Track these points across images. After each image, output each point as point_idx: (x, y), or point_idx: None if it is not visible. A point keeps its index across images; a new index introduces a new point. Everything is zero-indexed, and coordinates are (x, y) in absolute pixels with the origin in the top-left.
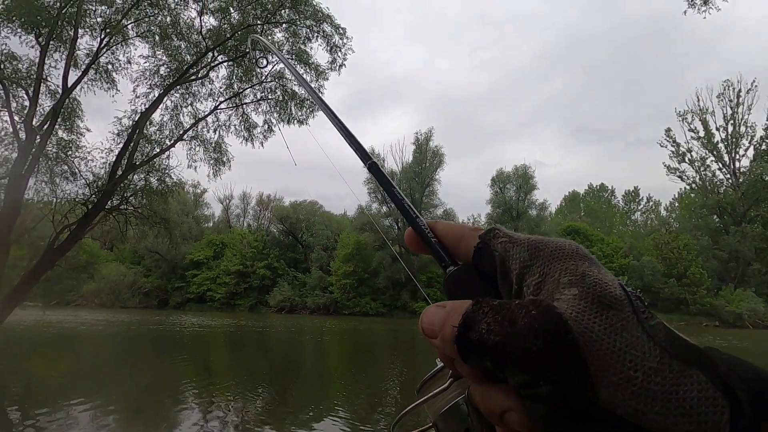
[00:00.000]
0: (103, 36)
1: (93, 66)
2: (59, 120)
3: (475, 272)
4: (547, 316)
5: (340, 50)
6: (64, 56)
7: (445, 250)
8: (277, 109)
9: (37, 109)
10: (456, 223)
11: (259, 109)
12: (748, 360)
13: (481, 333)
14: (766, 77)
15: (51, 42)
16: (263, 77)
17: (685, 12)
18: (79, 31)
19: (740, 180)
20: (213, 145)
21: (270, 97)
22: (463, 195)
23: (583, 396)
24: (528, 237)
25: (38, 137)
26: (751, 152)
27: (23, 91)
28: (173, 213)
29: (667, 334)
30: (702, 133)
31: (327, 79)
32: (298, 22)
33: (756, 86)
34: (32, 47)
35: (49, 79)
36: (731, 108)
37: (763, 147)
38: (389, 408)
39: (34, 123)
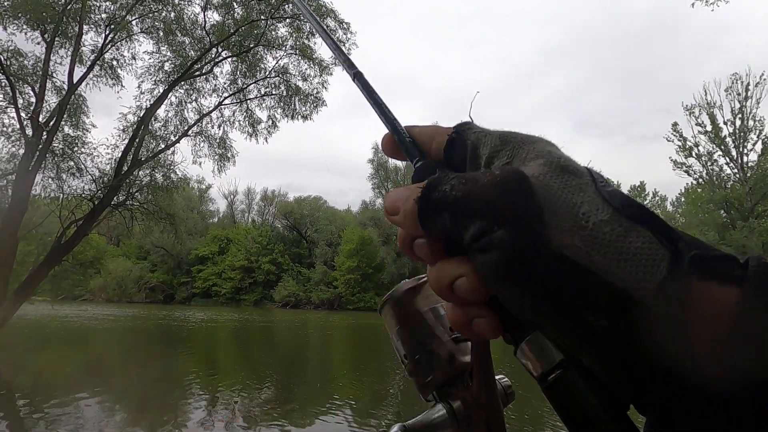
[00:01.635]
0: (107, 32)
1: (98, 62)
2: (65, 116)
3: (444, 165)
4: (509, 173)
5: (345, 45)
6: (69, 52)
7: (419, 149)
8: (282, 104)
9: (43, 105)
10: (434, 125)
11: (263, 105)
12: None
13: (444, 191)
14: None
15: (56, 38)
16: (268, 73)
17: (693, 4)
18: (84, 27)
19: (748, 174)
20: (217, 140)
21: (274, 92)
22: None
23: (534, 237)
24: (501, 130)
25: (45, 133)
26: (759, 146)
27: (29, 88)
28: (178, 208)
29: (622, 198)
30: (709, 128)
31: (331, 74)
32: (302, 17)
33: (765, 79)
34: (38, 44)
35: (54, 75)
36: (739, 102)
37: None
38: (393, 401)
39: (40, 119)
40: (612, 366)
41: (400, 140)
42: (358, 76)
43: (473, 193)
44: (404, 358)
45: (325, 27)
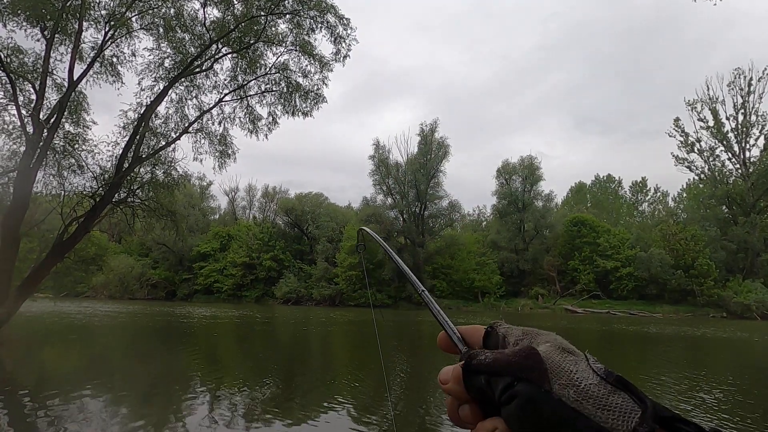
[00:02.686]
0: (107, 29)
1: (98, 59)
2: (66, 113)
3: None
4: (525, 347)
5: (345, 41)
6: (69, 49)
7: (465, 342)
8: (282, 101)
9: (44, 102)
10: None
11: (264, 101)
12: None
13: (480, 360)
14: None
15: (56, 35)
16: (268, 69)
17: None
18: (84, 23)
19: (750, 170)
20: (218, 137)
21: (274, 89)
22: (469, 187)
23: (542, 388)
24: (524, 327)
25: (45, 131)
26: (761, 141)
27: (30, 85)
28: (180, 205)
29: (607, 372)
30: (711, 123)
31: (331, 70)
32: (302, 13)
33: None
34: (38, 41)
35: (54, 72)
36: (742, 97)
37: None
38: (394, 397)
39: (41, 116)
40: None
41: (453, 337)
42: (425, 293)
43: (500, 360)
44: None
45: (398, 258)
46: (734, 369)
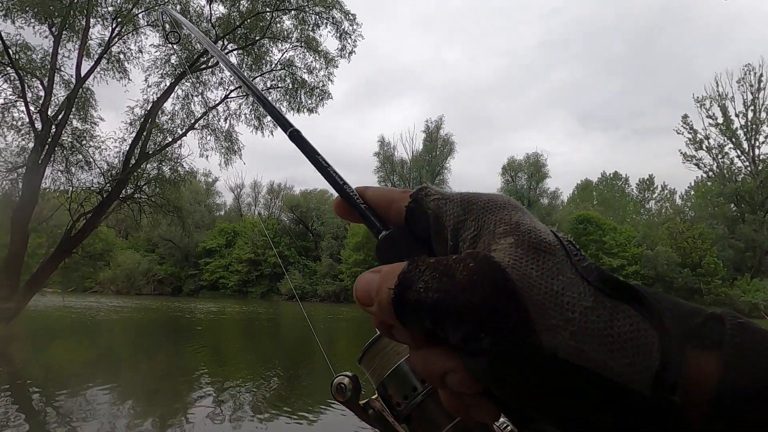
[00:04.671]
0: (114, 25)
1: (105, 56)
2: (73, 109)
3: (408, 234)
4: (485, 266)
5: (350, 37)
6: (76, 46)
7: (376, 216)
8: (287, 97)
9: (52, 99)
10: (386, 187)
11: (270, 98)
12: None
13: (419, 292)
14: None
15: (64, 32)
16: (273, 65)
17: None
18: (91, 20)
19: (759, 167)
20: (224, 133)
21: (280, 85)
22: (474, 184)
23: (525, 342)
24: (460, 193)
25: (54, 127)
26: None
27: (38, 82)
28: (186, 201)
29: (599, 274)
30: (721, 120)
31: (336, 66)
32: (307, 9)
33: None
34: (45, 37)
35: (62, 69)
36: (752, 93)
37: None
38: None
39: (49, 113)
40: None
41: (355, 207)
42: (294, 135)
43: (452, 296)
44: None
45: (253, 85)
46: None
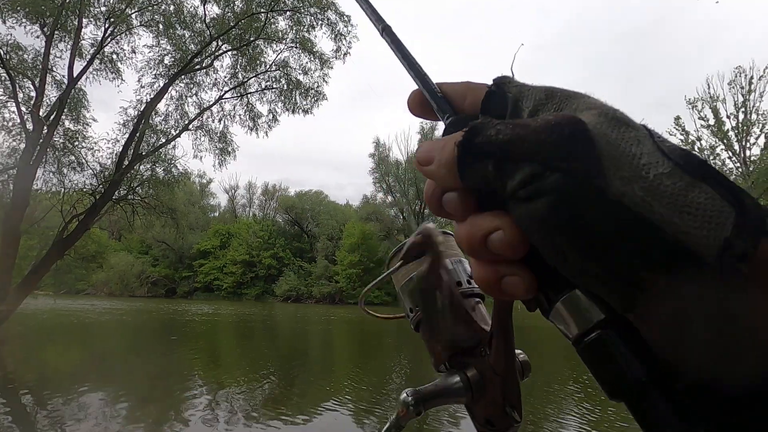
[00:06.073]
0: (107, 25)
1: (98, 56)
2: (65, 110)
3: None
4: (564, 117)
5: (345, 38)
6: (69, 46)
7: (452, 107)
8: (282, 98)
9: (44, 99)
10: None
11: (264, 99)
12: None
13: (489, 135)
14: None
15: (56, 32)
16: (268, 66)
17: None
18: (84, 20)
19: (750, 169)
20: (218, 134)
21: (275, 86)
22: None
23: (592, 183)
24: (545, 86)
25: (45, 128)
26: (762, 140)
27: (29, 82)
28: (180, 203)
29: (682, 153)
30: (712, 121)
31: (332, 67)
32: (302, 10)
33: None
34: (37, 37)
35: (54, 69)
36: (743, 95)
37: None
38: (394, 395)
39: (41, 113)
40: (665, 329)
41: (432, 96)
42: (386, 30)
43: (524, 137)
44: (410, 312)
45: None
46: None
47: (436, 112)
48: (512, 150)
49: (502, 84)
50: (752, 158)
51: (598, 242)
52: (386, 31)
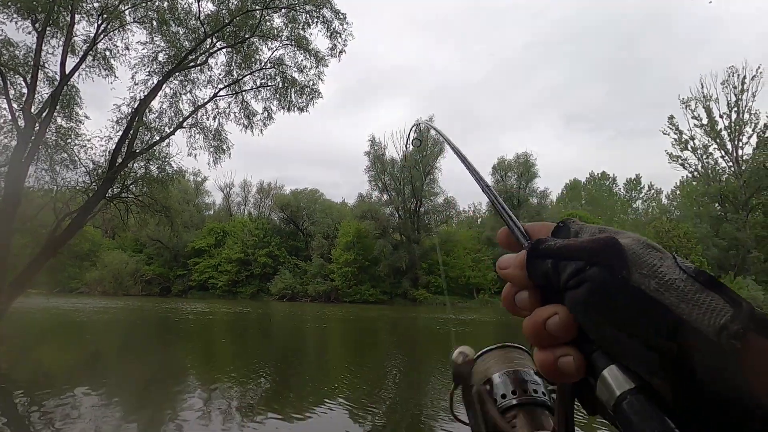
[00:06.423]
0: (100, 21)
1: (90, 52)
2: (58, 107)
3: None
4: (604, 235)
5: (341, 36)
6: (61, 42)
7: (528, 238)
8: (277, 96)
9: (36, 96)
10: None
11: (259, 96)
12: None
13: (549, 245)
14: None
15: (48, 28)
16: (263, 64)
17: None
18: (76, 16)
19: (743, 168)
20: (213, 132)
21: (270, 84)
22: (464, 184)
23: (619, 274)
24: (599, 225)
25: (37, 125)
26: (754, 140)
27: (21, 78)
28: (174, 201)
29: (697, 270)
30: (705, 121)
31: (327, 65)
32: (298, 7)
33: (761, 72)
34: (29, 33)
35: (46, 65)
36: (735, 95)
37: (767, 134)
38: (389, 393)
39: (32, 110)
40: (680, 388)
41: (518, 232)
42: (489, 188)
43: (574, 244)
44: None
45: (462, 154)
46: None
47: (521, 242)
48: (565, 252)
49: (568, 221)
50: (744, 157)
51: (624, 317)
52: (489, 189)
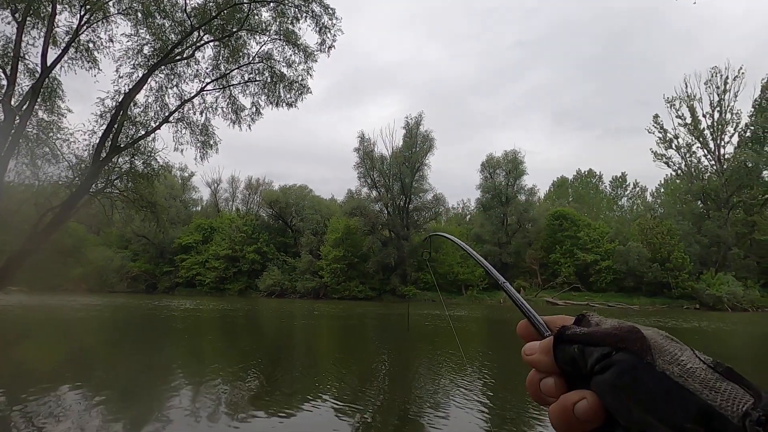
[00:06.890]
0: (82, 12)
1: (73, 44)
2: (39, 100)
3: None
4: (626, 324)
5: (330, 31)
6: (42, 33)
7: (548, 330)
8: (266, 91)
9: (16, 88)
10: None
11: (247, 91)
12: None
13: (575, 331)
14: (751, 65)
15: (28, 18)
16: (251, 58)
17: None
18: (58, 6)
19: (724, 166)
20: (200, 127)
21: (258, 78)
22: (453, 180)
23: (644, 359)
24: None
25: (18, 118)
26: (735, 139)
27: (0, 70)
28: (160, 197)
29: (715, 362)
30: (689, 120)
31: (316, 60)
32: (286, 1)
33: (743, 73)
34: (8, 23)
35: (27, 57)
36: (718, 95)
37: (748, 134)
38: (377, 390)
39: (12, 103)
40: None
41: (539, 325)
42: (505, 284)
43: (600, 331)
44: None
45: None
46: None
47: (541, 332)
48: (591, 338)
49: (587, 314)
50: (726, 156)
51: (651, 399)
52: (505, 284)
